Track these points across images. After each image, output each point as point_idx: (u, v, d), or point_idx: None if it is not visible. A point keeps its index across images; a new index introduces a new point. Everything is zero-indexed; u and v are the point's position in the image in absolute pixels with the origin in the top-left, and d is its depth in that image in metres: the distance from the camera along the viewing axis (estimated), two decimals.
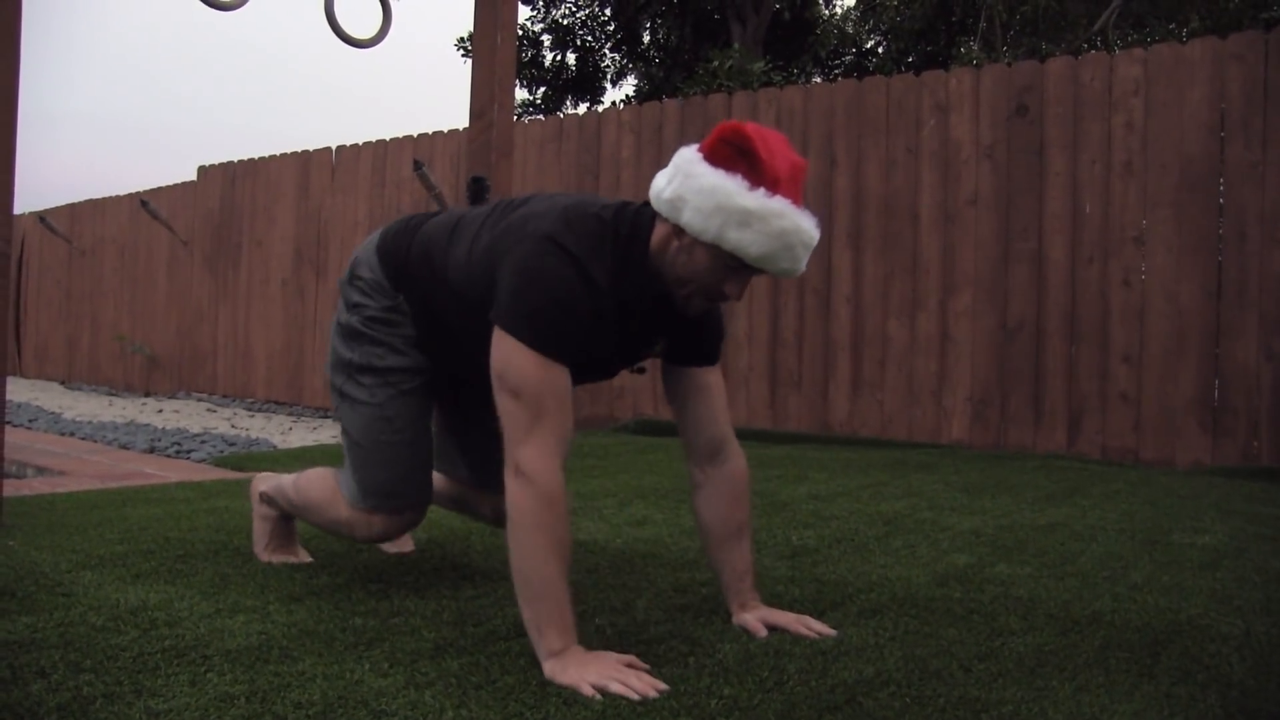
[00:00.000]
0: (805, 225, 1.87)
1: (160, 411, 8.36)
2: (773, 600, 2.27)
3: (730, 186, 1.83)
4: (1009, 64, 5.85)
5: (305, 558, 2.64)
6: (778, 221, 1.83)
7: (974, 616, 2.19)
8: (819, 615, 2.16)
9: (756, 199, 1.82)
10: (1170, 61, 5.23)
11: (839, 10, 16.03)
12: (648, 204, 1.99)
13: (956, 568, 2.66)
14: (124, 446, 5.92)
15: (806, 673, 1.78)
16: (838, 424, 6.14)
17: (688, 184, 1.87)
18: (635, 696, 1.65)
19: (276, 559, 2.60)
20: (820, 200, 6.25)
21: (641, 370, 2.22)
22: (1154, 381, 5.18)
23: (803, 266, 1.93)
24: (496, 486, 2.25)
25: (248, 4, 3.72)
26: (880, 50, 15.17)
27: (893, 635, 2.04)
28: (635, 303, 2.00)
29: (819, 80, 13.58)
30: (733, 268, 1.91)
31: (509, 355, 1.88)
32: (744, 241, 1.84)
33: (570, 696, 1.64)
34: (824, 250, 6.23)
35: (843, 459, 5.00)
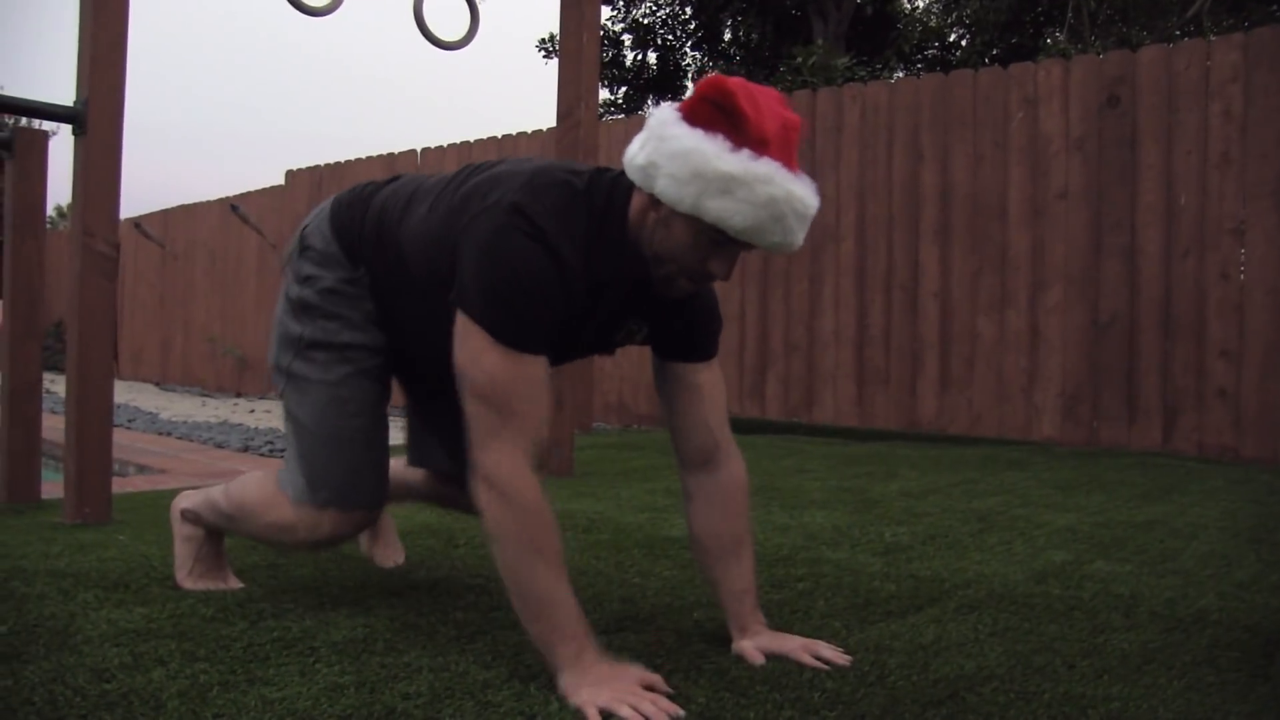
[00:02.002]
0: (798, 191, 1.64)
1: (252, 412, 8.53)
2: (870, 596, 2.27)
3: (708, 148, 1.61)
4: (1099, 54, 5.75)
5: (234, 583, 2.32)
6: (764, 188, 1.60)
7: (1075, 613, 2.16)
8: (916, 611, 2.16)
9: (739, 162, 1.60)
10: (1273, 45, 5.09)
11: (921, 4, 15.88)
12: (624, 172, 1.77)
13: (1054, 564, 2.63)
14: (219, 446, 6.05)
15: (908, 667, 1.78)
16: (926, 421, 6.08)
17: (662, 147, 1.65)
18: None
19: (201, 585, 2.28)
20: (907, 196, 6.20)
21: (611, 352, 2.00)
22: (1254, 377, 5.06)
23: (798, 240, 1.69)
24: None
25: (339, 9, 3.79)
26: (964, 43, 15.01)
27: (993, 631, 2.02)
28: (612, 283, 1.78)
29: (903, 75, 13.46)
30: (716, 242, 1.68)
31: (474, 351, 1.68)
32: (726, 211, 1.61)
33: (674, 690, 1.64)
34: (911, 246, 6.18)
35: (932, 456, 4.96)
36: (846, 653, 1.85)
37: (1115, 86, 5.52)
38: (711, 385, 1.94)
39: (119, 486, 3.93)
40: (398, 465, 2.33)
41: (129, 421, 7.47)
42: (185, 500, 2.34)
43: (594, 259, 1.74)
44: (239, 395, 10.54)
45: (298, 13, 3.74)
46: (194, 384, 11.59)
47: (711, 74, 1.70)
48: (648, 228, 1.72)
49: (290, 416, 2.06)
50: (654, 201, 1.70)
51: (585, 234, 1.73)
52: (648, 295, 1.81)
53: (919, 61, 15.05)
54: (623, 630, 1.96)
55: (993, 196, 5.90)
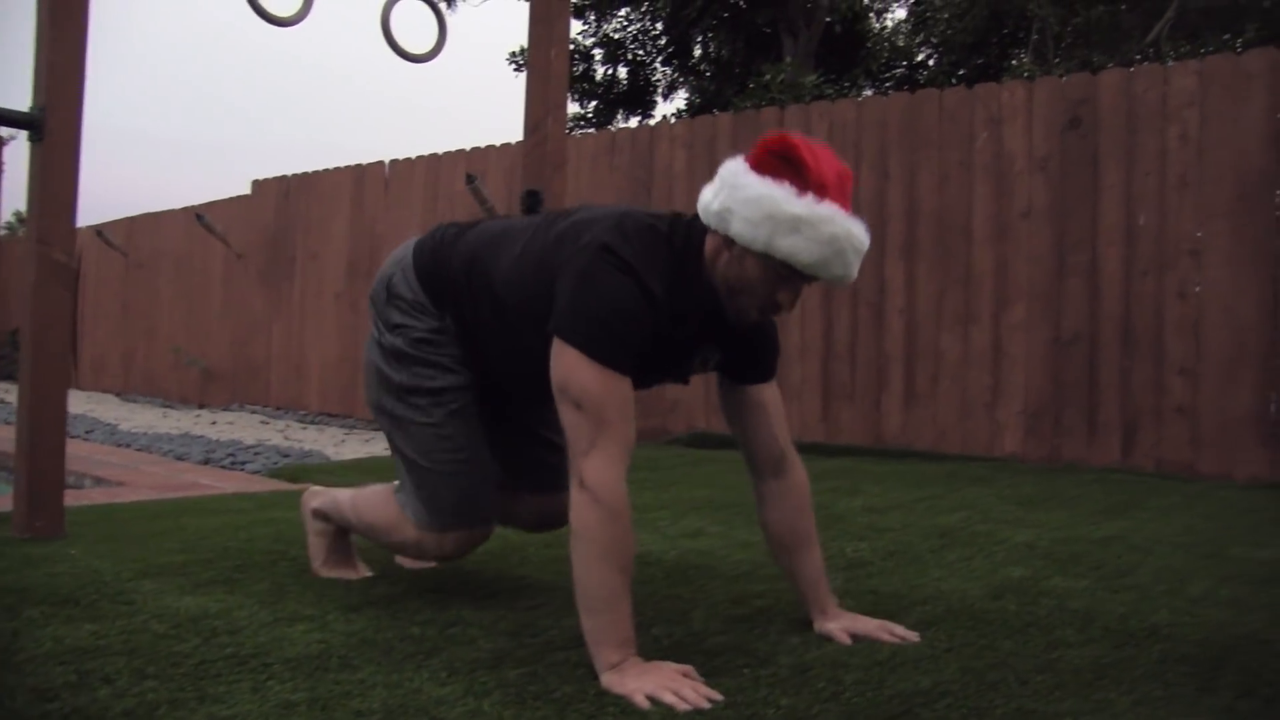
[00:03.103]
0: (855, 230, 1.87)
1: (214, 423, 8.47)
2: None
3: (778, 194, 1.83)
4: (1062, 76, 5.81)
5: (365, 572, 2.60)
6: (827, 227, 1.83)
7: (1030, 629, 2.17)
8: None
9: (805, 205, 1.83)
10: (1227, 72, 5.17)
11: (890, 24, 16.01)
12: (698, 217, 1.99)
13: (1012, 580, 2.65)
14: (179, 458, 6.00)
15: (863, 684, 1.78)
16: (891, 437, 6.11)
17: (735, 195, 1.89)
18: (686, 707, 1.67)
19: (335, 574, 2.56)
20: (873, 213, 6.22)
21: (685, 381, 2.24)
22: (1211, 395, 5.11)
23: (854, 273, 1.92)
24: (532, 486, 2.45)
25: (306, 19, 3.77)
26: (931, 63, 15.13)
27: (949, 647, 2.03)
28: (690, 314, 1.99)
29: (871, 93, 13.55)
30: (784, 276, 1.91)
31: (570, 367, 1.88)
32: (795, 248, 1.84)
33: (627, 707, 1.66)
34: (877, 263, 6.21)
35: (896, 472, 4.98)
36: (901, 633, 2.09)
37: (1077, 108, 5.57)
38: (774, 401, 2.19)
39: (74, 499, 3.89)
40: None
41: (87, 433, 7.40)
42: (315, 500, 2.61)
43: (675, 292, 1.96)
44: (202, 407, 10.46)
45: (264, 22, 3.72)
46: (156, 395, 11.49)
47: (774, 131, 1.97)
48: (721, 265, 1.95)
49: (399, 452, 2.29)
50: (728, 242, 1.92)
51: (668, 270, 1.95)
52: (721, 326, 2.04)
53: (887, 80, 15.16)
54: (579, 646, 1.95)
55: (958, 214, 5.94)
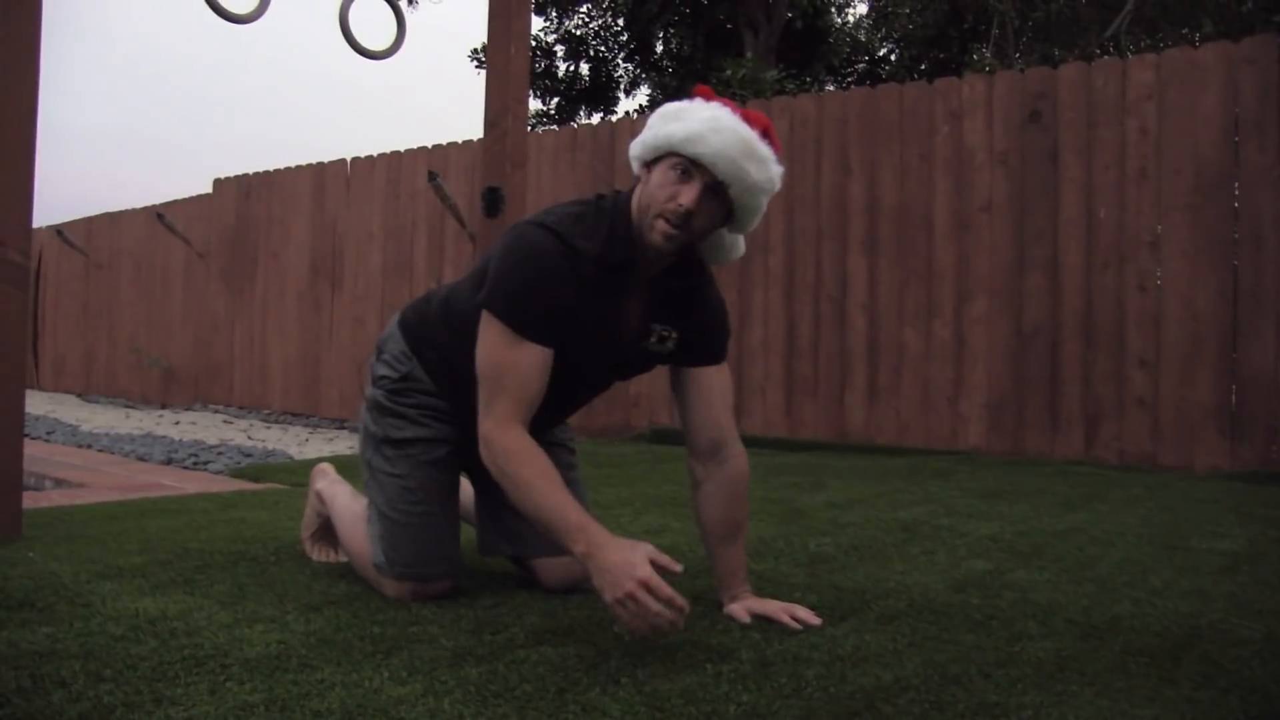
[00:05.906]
0: (744, 127, 1.95)
1: (177, 423, 8.39)
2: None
3: (674, 102, 2.03)
4: (1022, 70, 5.84)
5: (343, 557, 2.70)
6: (706, 111, 1.96)
7: (992, 622, 2.18)
8: (837, 622, 2.16)
9: (690, 102, 2.01)
10: (1183, 66, 5.22)
11: (851, 19, 16.05)
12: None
13: (974, 574, 2.65)
14: (141, 458, 5.94)
15: (825, 679, 1.78)
16: (854, 432, 6.13)
17: (649, 122, 2.04)
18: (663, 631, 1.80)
19: (316, 554, 2.73)
20: (835, 208, 6.25)
21: (649, 368, 2.29)
22: (1171, 386, 5.16)
23: (748, 169, 1.95)
24: (539, 550, 2.36)
25: (263, 16, 3.74)
26: (893, 58, 15.19)
27: (911, 641, 2.03)
28: (628, 265, 2.05)
29: (832, 88, 13.58)
30: (678, 171, 1.97)
31: (484, 332, 2.01)
32: (675, 130, 1.95)
33: (589, 703, 1.64)
34: (839, 258, 6.23)
35: (859, 466, 4.99)
36: (817, 616, 2.13)
37: (1037, 102, 5.61)
38: (722, 386, 2.26)
39: (33, 501, 3.83)
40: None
41: (48, 434, 7.31)
42: (320, 481, 2.75)
43: (608, 245, 2.02)
44: (164, 407, 10.37)
45: (221, 20, 3.68)
46: (118, 395, 11.39)
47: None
48: (640, 203, 2.02)
49: (371, 500, 2.38)
50: (643, 168, 2.04)
51: (596, 226, 2.03)
52: (669, 298, 2.13)
53: (849, 75, 15.22)
54: (541, 644, 1.94)
55: (919, 209, 5.96)
